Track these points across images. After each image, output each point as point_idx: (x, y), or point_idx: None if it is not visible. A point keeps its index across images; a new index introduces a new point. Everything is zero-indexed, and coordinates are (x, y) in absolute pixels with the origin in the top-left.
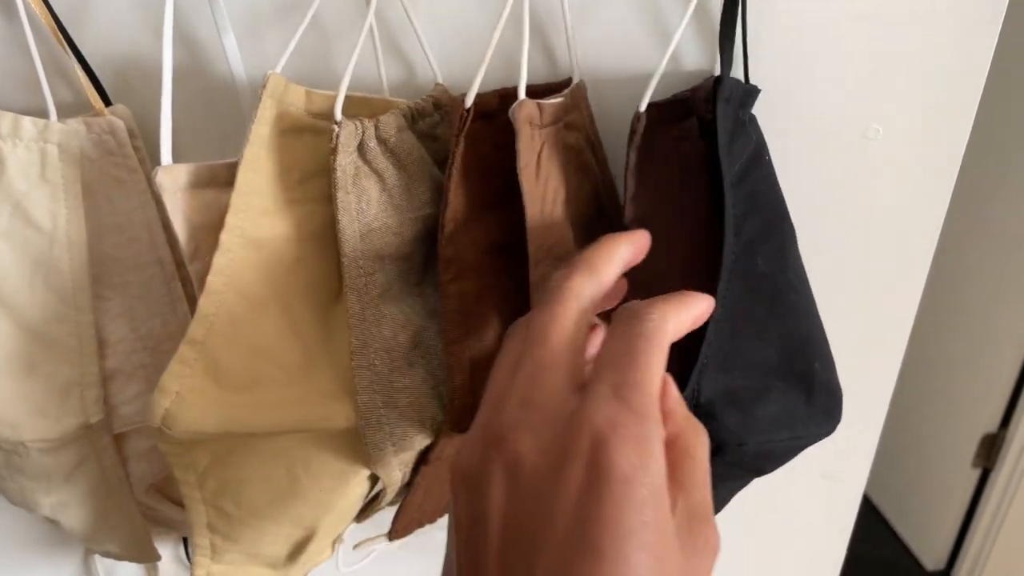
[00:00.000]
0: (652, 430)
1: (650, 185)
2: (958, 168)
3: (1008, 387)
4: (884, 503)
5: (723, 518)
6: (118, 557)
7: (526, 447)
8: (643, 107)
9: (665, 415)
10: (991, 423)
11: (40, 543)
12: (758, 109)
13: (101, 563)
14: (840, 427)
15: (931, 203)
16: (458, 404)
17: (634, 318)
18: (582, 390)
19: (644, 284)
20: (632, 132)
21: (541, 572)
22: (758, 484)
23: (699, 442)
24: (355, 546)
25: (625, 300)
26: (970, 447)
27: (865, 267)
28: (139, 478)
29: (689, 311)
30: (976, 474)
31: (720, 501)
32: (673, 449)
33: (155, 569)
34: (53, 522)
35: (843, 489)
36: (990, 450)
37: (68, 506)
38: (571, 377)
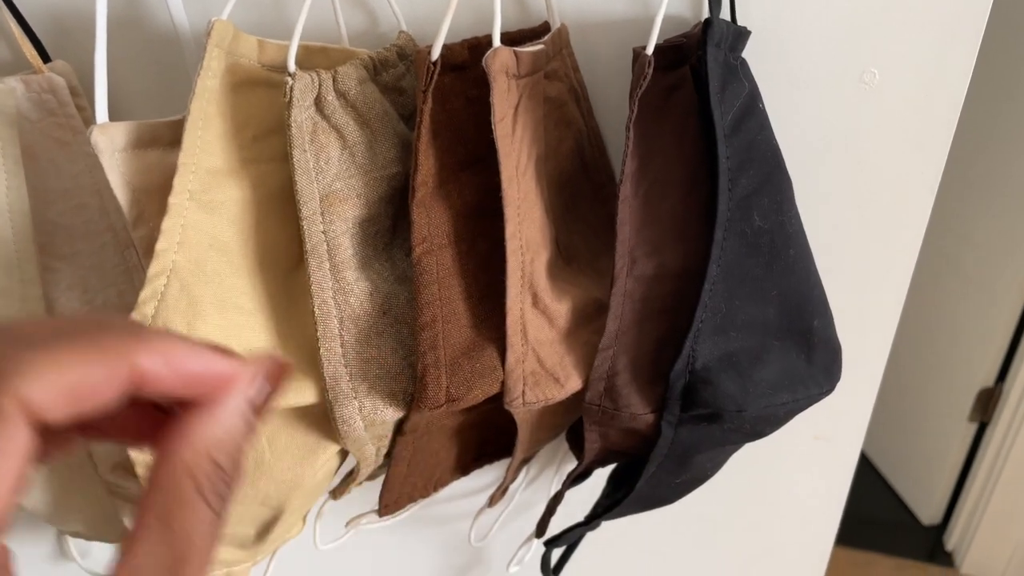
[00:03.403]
0: None
1: (646, 137)
2: (958, 115)
3: (1005, 341)
4: (879, 458)
5: (714, 484)
6: (86, 537)
7: None
8: (650, 50)
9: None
10: (988, 377)
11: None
12: (746, 53)
13: (74, 541)
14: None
15: (930, 152)
16: (430, 384)
17: None
18: None
19: (651, 242)
20: (639, 78)
21: None
22: (750, 448)
23: (194, 519)
24: (347, 523)
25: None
26: (967, 401)
27: (860, 220)
28: (103, 457)
29: None
30: (972, 428)
31: (715, 466)
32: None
33: None
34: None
35: (838, 451)
36: (987, 404)
37: (28, 488)
38: None
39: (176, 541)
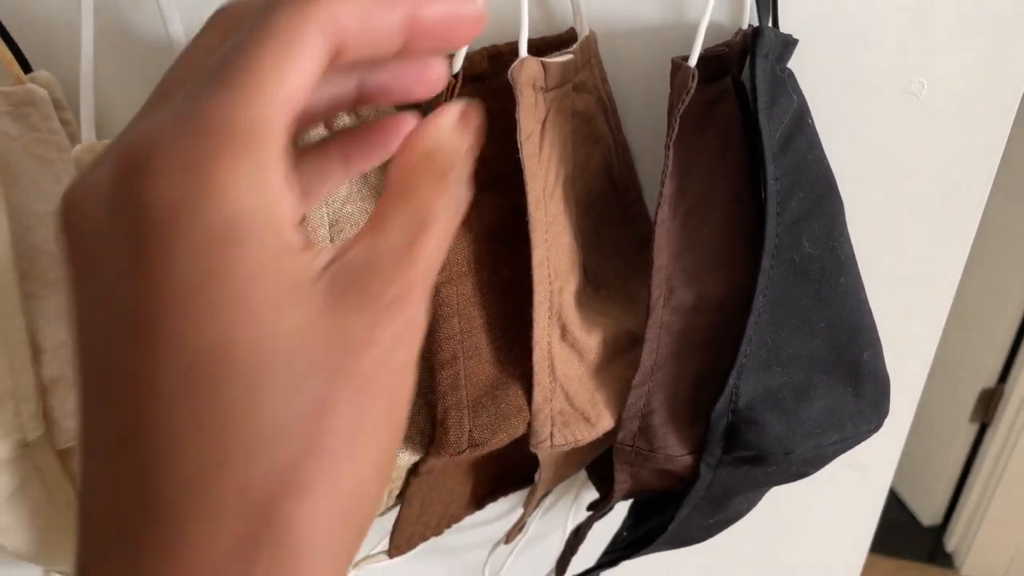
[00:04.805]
0: (221, 146)
1: (685, 156)
2: (1010, 126)
3: (1007, 341)
4: None
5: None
6: None
7: (86, 202)
8: (693, 61)
9: (402, 151)
10: (990, 378)
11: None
12: (790, 63)
13: None
14: None
15: (979, 166)
16: (452, 428)
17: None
18: None
19: (690, 270)
20: (680, 92)
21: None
22: None
23: (433, 193)
24: (354, 564)
25: (670, 288)
26: (968, 402)
27: (904, 237)
28: None
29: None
30: (974, 429)
31: (751, 505)
32: (391, 190)
33: None
34: None
35: (870, 479)
36: (988, 405)
37: (11, 530)
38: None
39: (417, 211)
